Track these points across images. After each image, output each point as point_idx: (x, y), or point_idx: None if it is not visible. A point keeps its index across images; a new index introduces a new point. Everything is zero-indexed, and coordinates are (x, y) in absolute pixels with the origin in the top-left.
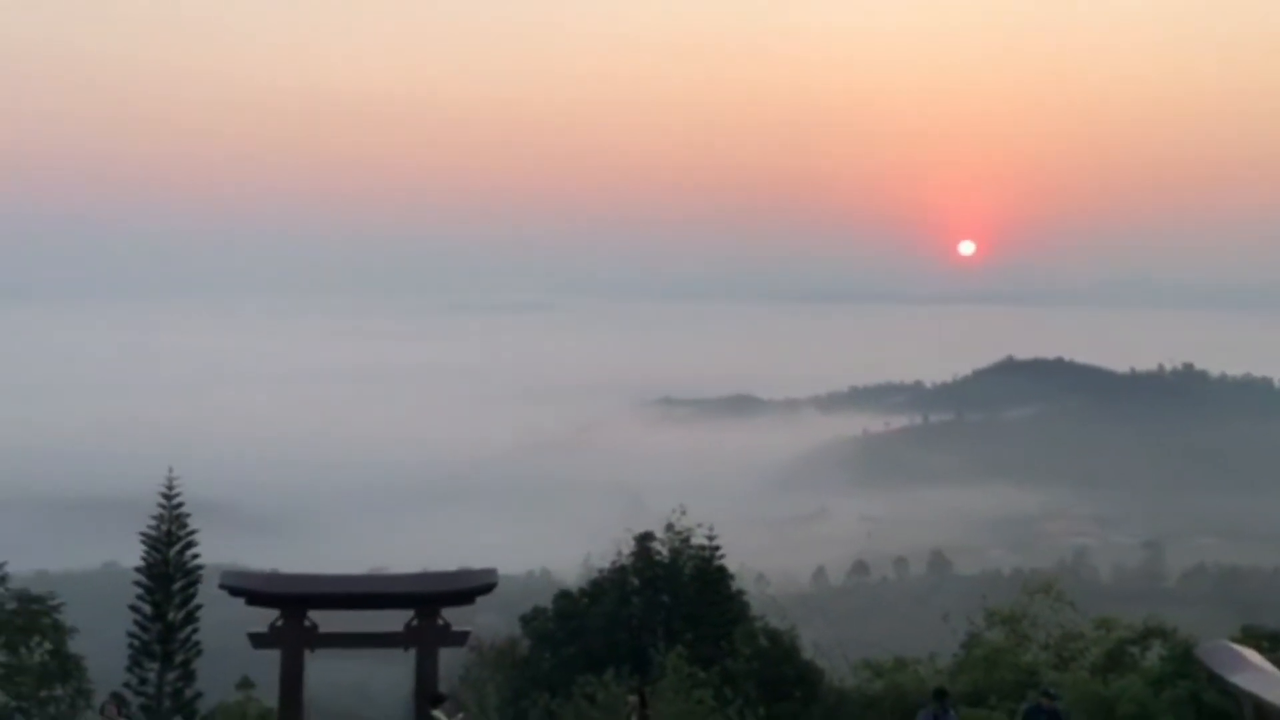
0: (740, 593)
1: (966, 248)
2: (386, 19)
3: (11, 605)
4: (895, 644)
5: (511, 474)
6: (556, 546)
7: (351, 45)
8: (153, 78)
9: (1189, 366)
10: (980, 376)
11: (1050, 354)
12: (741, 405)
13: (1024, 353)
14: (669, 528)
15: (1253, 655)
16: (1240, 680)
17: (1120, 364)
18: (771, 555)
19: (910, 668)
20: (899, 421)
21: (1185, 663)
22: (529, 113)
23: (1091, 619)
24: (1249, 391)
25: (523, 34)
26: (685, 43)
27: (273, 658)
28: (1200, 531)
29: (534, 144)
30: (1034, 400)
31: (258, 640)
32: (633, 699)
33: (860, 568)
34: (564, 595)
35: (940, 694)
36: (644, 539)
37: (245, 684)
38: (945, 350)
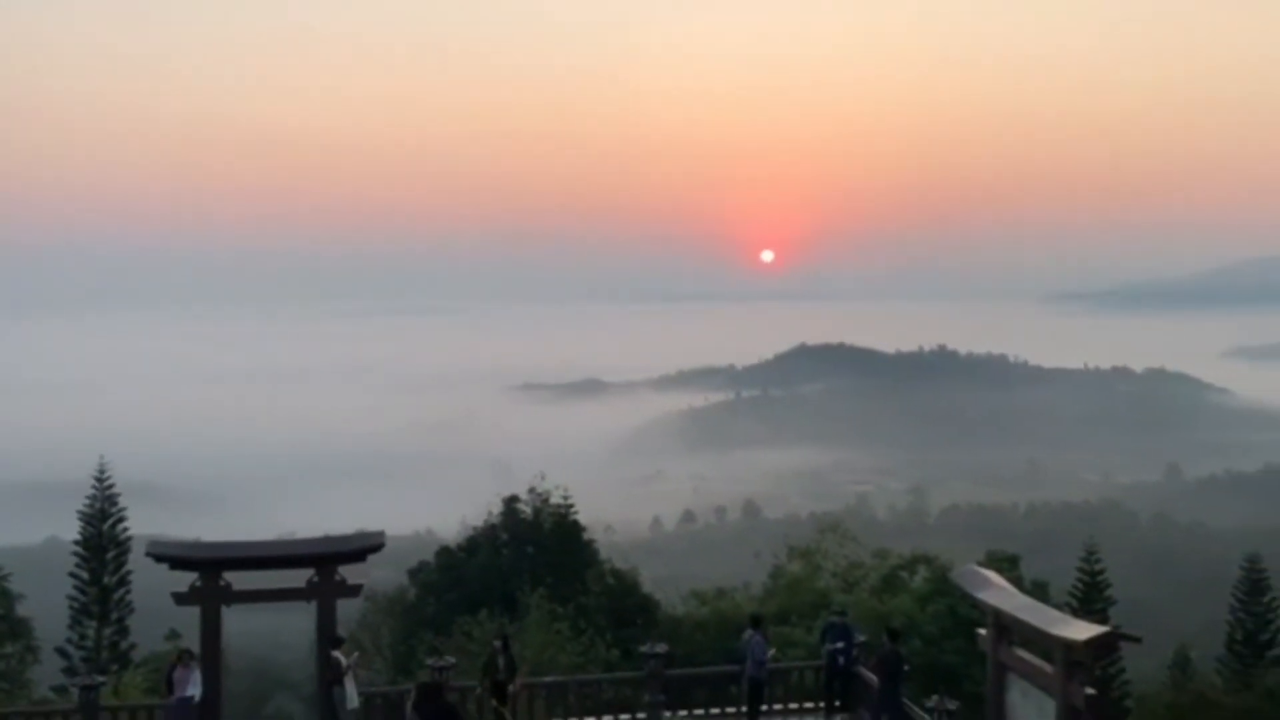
0: (591, 541)
1: (767, 256)
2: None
3: None
4: (717, 578)
5: (401, 452)
6: (439, 511)
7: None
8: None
9: (942, 347)
10: (780, 360)
11: (834, 340)
12: (590, 388)
13: (814, 339)
14: (531, 490)
15: (994, 576)
16: (985, 596)
17: (889, 346)
18: (617, 510)
19: (729, 596)
20: (717, 398)
21: (944, 583)
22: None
23: (871, 551)
24: (989, 366)
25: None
26: (543, 78)
27: (196, 613)
28: (954, 478)
29: (421, 173)
30: (823, 377)
31: (180, 599)
32: (497, 643)
33: (689, 516)
34: (445, 550)
35: (756, 620)
36: (511, 501)
37: (173, 636)
38: (752, 339)
